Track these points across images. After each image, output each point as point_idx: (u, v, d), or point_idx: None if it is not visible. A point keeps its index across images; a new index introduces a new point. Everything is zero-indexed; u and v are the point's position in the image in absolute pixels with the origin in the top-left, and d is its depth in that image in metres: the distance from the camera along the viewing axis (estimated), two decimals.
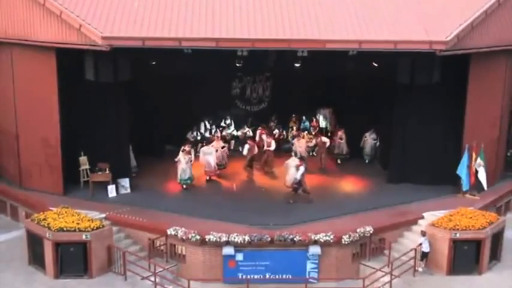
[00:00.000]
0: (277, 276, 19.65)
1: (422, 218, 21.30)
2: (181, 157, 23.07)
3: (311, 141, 26.75)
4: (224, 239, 19.21)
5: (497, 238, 20.21)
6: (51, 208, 20.75)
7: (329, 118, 29.00)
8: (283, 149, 26.96)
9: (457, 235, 19.45)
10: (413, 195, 22.92)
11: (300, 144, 25.68)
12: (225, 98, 28.25)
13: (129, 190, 22.99)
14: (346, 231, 19.73)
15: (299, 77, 25.93)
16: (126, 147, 23.62)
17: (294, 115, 28.55)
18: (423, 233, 19.72)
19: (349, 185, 24.07)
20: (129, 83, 23.22)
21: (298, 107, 28.28)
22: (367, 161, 26.54)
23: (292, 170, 22.48)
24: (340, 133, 26.42)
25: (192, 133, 26.95)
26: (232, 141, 27.68)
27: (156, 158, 25.80)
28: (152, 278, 18.94)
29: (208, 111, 27.94)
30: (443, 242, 19.52)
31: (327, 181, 24.32)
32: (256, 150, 24.70)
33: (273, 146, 24.96)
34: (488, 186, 23.01)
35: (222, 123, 28.27)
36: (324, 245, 19.49)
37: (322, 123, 29.02)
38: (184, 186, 23.17)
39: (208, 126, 27.81)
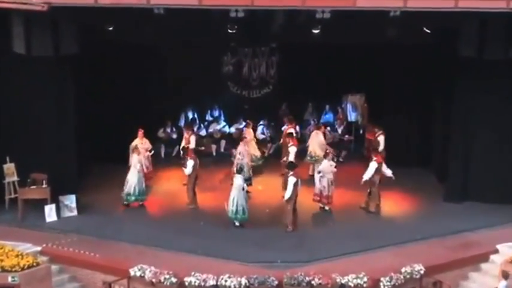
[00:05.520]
0: None
1: (496, 252, 21.04)
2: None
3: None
4: (211, 282, 18.99)
5: None
6: None
7: (360, 108, 28.71)
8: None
9: None
10: (482, 220, 22.84)
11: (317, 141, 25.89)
12: (212, 79, 28.33)
13: (75, 212, 22.92)
14: (385, 271, 19.52)
15: (318, 49, 26.12)
16: (71, 149, 23.68)
17: (310, 104, 28.69)
18: (505, 275, 19.07)
19: (390, 204, 23.89)
20: (76, 58, 23.17)
21: (317, 92, 28.30)
22: None
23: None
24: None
25: (165, 129, 27.10)
26: (223, 141, 27.73)
27: (116, 165, 25.16)
28: None
29: (189, 98, 28.13)
30: None
31: (357, 199, 24.00)
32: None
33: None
34: None
35: (208, 116, 28.65)
36: None
37: (351, 116, 28.69)
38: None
39: (190, 118, 28.15)
